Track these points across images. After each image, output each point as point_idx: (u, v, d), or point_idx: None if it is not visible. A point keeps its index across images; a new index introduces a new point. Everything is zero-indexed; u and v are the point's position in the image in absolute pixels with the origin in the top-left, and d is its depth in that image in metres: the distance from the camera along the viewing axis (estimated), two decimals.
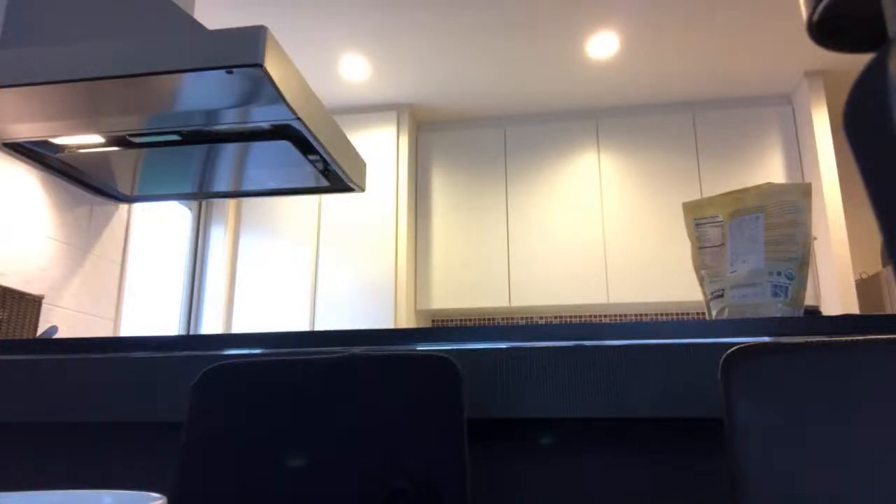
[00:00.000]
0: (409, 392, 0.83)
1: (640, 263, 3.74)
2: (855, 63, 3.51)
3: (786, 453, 0.66)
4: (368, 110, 4.02)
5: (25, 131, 1.23)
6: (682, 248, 3.70)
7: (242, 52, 0.99)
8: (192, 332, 3.76)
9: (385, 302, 3.68)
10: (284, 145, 1.28)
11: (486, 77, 3.70)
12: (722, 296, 1.12)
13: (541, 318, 4.03)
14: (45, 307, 2.74)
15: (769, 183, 1.11)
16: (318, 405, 0.85)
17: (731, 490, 0.67)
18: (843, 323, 0.91)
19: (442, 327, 1.01)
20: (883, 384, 0.66)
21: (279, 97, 1.08)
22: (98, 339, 1.10)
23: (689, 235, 1.20)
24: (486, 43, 3.38)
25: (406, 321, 3.70)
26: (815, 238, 3.59)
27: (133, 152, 1.33)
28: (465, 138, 4.13)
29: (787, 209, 1.08)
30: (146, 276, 3.57)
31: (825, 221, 3.45)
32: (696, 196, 3.77)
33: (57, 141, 1.28)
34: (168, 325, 3.82)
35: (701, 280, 1.18)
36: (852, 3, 0.94)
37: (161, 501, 0.46)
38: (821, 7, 0.94)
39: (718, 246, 1.15)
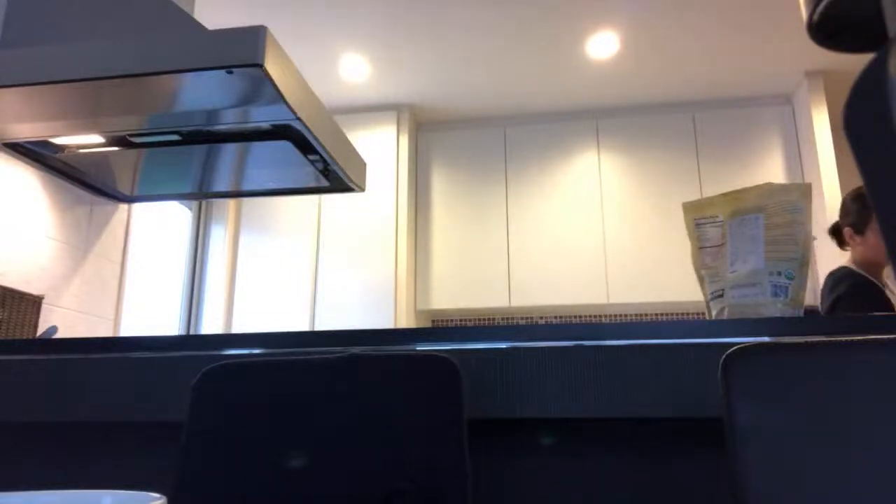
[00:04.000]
0: (409, 392, 0.83)
1: (640, 263, 3.74)
2: (855, 63, 3.51)
3: (785, 453, 0.66)
4: (368, 110, 4.01)
5: (25, 131, 1.23)
6: (682, 248, 3.70)
7: (242, 52, 0.99)
8: (192, 332, 3.76)
9: (385, 302, 3.68)
10: (284, 145, 1.28)
11: (486, 77, 3.70)
12: (722, 296, 1.12)
13: (541, 318, 4.03)
14: (45, 307, 2.74)
15: (769, 183, 1.11)
16: (318, 405, 0.85)
17: (731, 490, 0.67)
18: (843, 323, 0.91)
19: (442, 327, 1.01)
20: (883, 384, 0.66)
21: (279, 97, 1.08)
22: (98, 339, 1.10)
23: (689, 235, 1.20)
24: (486, 43, 3.38)
25: (406, 321, 3.70)
26: (815, 238, 3.59)
27: (133, 152, 1.33)
28: (465, 138, 4.13)
29: (787, 209, 1.08)
30: (146, 276, 3.57)
31: (825, 221, 3.45)
32: (696, 196, 3.77)
33: (57, 141, 1.28)
34: (168, 325, 3.82)
35: (701, 280, 1.18)
36: (852, 3, 0.94)
37: (161, 501, 0.46)
38: (821, 7, 0.94)
39: (718, 246, 1.15)
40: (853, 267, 1.87)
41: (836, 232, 2.01)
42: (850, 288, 1.79)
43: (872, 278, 1.80)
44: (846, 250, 1.97)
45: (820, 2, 0.93)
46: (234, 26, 1.02)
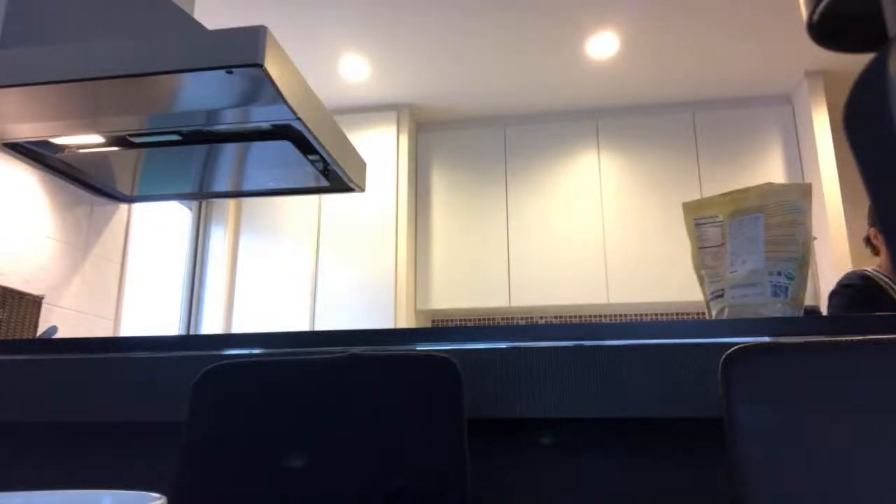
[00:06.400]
0: (409, 392, 0.83)
1: (640, 263, 3.74)
2: (855, 63, 3.51)
3: (786, 453, 0.66)
4: (368, 110, 4.01)
5: (25, 131, 1.23)
6: (682, 248, 3.70)
7: (242, 52, 0.99)
8: (192, 332, 3.76)
9: (385, 302, 3.68)
10: (284, 145, 1.28)
11: (486, 77, 3.70)
12: (722, 296, 1.12)
13: (541, 318, 4.02)
14: (45, 307, 2.74)
15: (769, 183, 1.11)
16: (318, 405, 0.85)
17: (731, 490, 0.67)
18: (843, 323, 0.91)
19: (442, 327, 1.01)
20: (883, 384, 0.66)
21: (279, 97, 1.08)
22: (98, 339, 1.10)
23: (689, 235, 1.20)
24: (486, 43, 3.38)
25: (406, 321, 3.70)
26: (815, 238, 3.59)
27: (133, 152, 1.33)
28: (465, 138, 4.13)
29: (787, 209, 1.08)
30: (146, 276, 3.57)
31: (825, 221, 3.45)
32: (696, 196, 3.76)
33: (57, 141, 1.28)
34: (168, 325, 3.82)
35: (701, 280, 1.18)
36: (852, 3, 0.94)
37: (161, 501, 0.46)
38: (821, 7, 0.94)
39: (718, 246, 1.15)
40: (871, 270, 1.80)
41: (868, 239, 1.91)
42: (842, 288, 1.79)
43: (889, 279, 1.78)
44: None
45: (820, 2, 0.93)
46: (234, 26, 1.02)
